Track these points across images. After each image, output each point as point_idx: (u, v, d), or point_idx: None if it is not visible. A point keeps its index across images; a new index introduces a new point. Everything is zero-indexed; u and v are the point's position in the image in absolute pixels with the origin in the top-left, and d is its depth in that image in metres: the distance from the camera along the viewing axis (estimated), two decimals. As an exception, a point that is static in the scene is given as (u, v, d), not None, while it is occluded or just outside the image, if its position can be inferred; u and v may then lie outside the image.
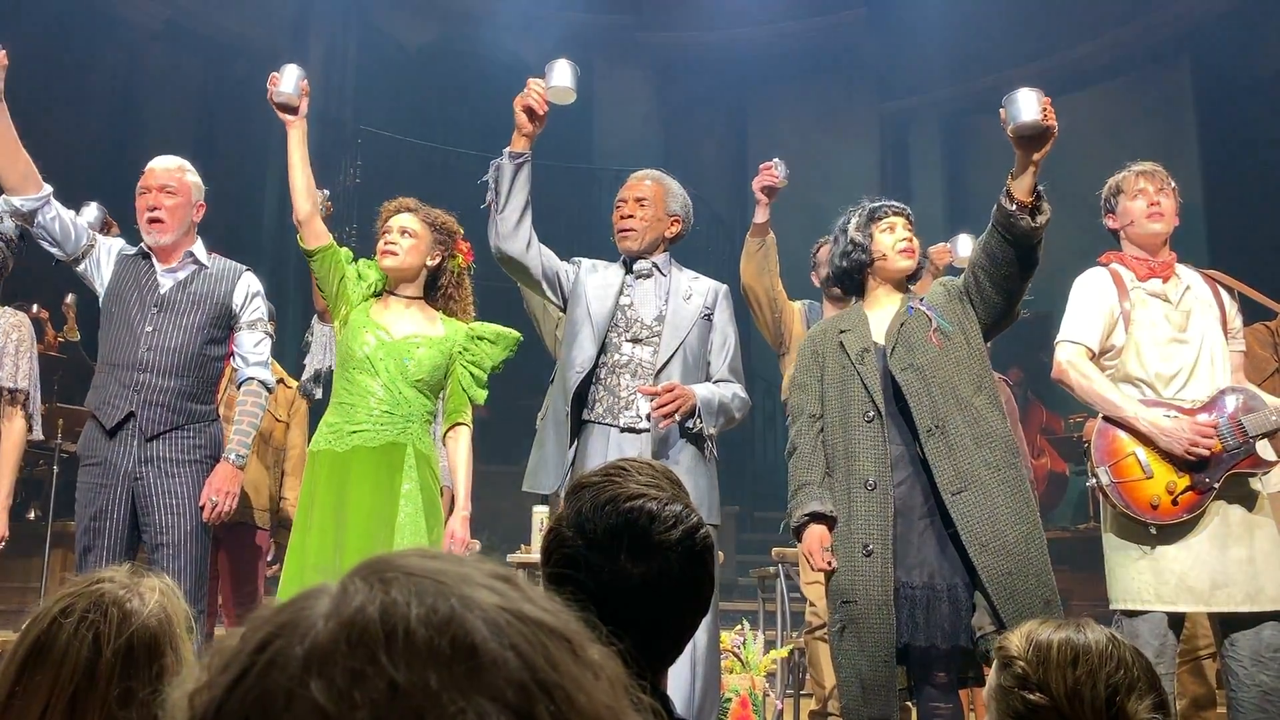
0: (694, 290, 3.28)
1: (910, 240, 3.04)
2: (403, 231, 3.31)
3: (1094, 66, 9.81)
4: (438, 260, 3.36)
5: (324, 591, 0.51)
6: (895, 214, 3.07)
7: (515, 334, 3.43)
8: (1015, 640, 1.47)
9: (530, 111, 3.08)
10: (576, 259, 3.36)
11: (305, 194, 3.28)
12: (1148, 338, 3.10)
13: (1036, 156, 2.72)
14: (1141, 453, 2.99)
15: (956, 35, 10.03)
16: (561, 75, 3.09)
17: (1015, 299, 2.92)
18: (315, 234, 3.29)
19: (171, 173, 3.39)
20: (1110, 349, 3.16)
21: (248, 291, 3.48)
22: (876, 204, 3.10)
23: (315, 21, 10.90)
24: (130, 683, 1.23)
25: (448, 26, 11.33)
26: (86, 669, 1.22)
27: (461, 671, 0.47)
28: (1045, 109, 2.69)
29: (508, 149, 3.12)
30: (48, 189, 3.24)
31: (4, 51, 3.07)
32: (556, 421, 3.18)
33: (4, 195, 3.20)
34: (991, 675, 1.51)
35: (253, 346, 3.48)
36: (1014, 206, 2.74)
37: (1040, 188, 2.77)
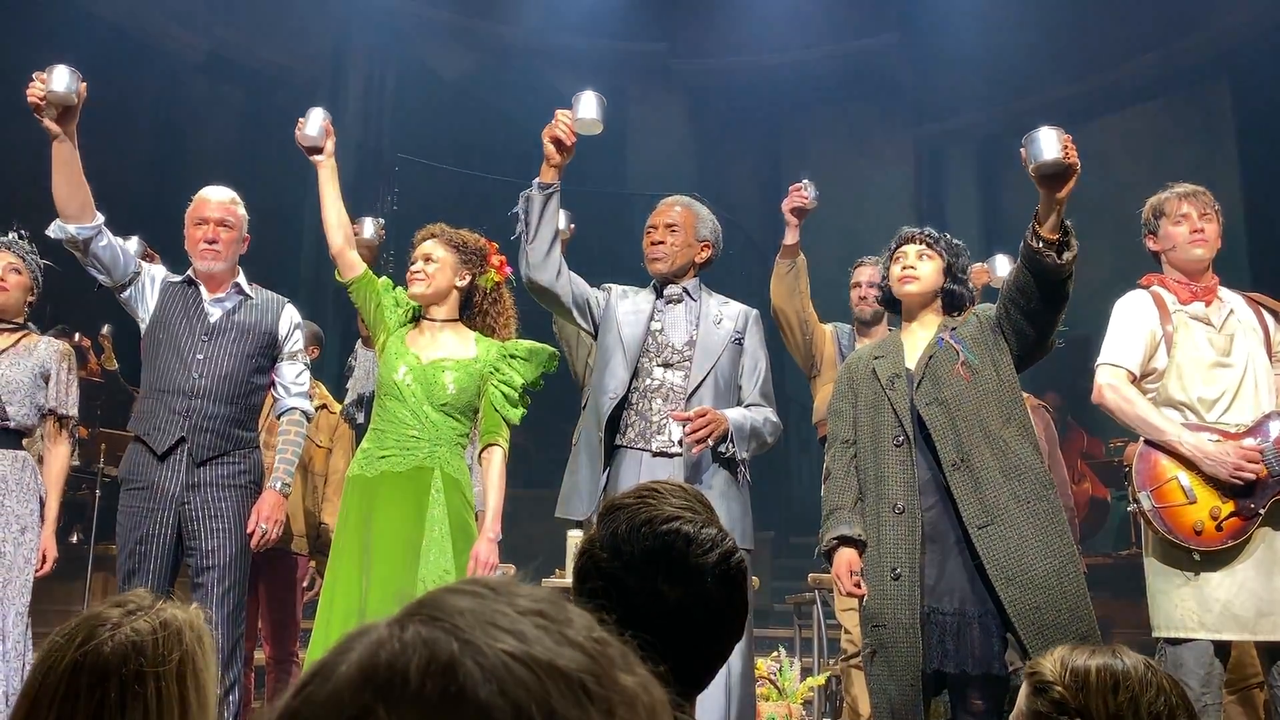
0: (724, 315, 3.28)
1: (914, 267, 3.02)
2: (426, 258, 3.36)
3: (1132, 88, 9.72)
4: (467, 280, 3.40)
5: (371, 630, 0.54)
6: (906, 242, 3.07)
7: (550, 349, 3.46)
8: (1049, 665, 1.44)
9: (559, 143, 3.10)
10: (607, 285, 3.38)
11: (337, 229, 3.38)
12: (1190, 361, 3.06)
13: (1060, 195, 2.66)
14: (1184, 477, 2.94)
15: (991, 58, 9.99)
16: (588, 107, 3.12)
17: (1048, 331, 2.88)
18: (349, 265, 3.38)
19: (227, 206, 3.49)
20: (1151, 372, 3.12)
21: (291, 323, 3.58)
22: (899, 235, 3.11)
23: (354, 52, 11.07)
24: (69, 711, 1.21)
25: (484, 56, 11.47)
26: (35, 691, 1.22)
27: (446, 717, 0.48)
28: (1066, 147, 2.63)
29: (537, 180, 3.15)
30: (100, 218, 3.32)
31: (84, 84, 3.17)
32: (589, 447, 3.18)
33: (59, 223, 3.27)
34: (1022, 699, 1.48)
35: (294, 377, 3.58)
36: (1040, 244, 2.70)
37: (1067, 223, 2.71)
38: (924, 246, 3.04)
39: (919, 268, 3.02)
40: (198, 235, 3.45)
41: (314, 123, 3.40)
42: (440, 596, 0.55)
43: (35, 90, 3.11)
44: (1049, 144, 2.64)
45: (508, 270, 3.48)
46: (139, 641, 1.27)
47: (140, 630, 1.28)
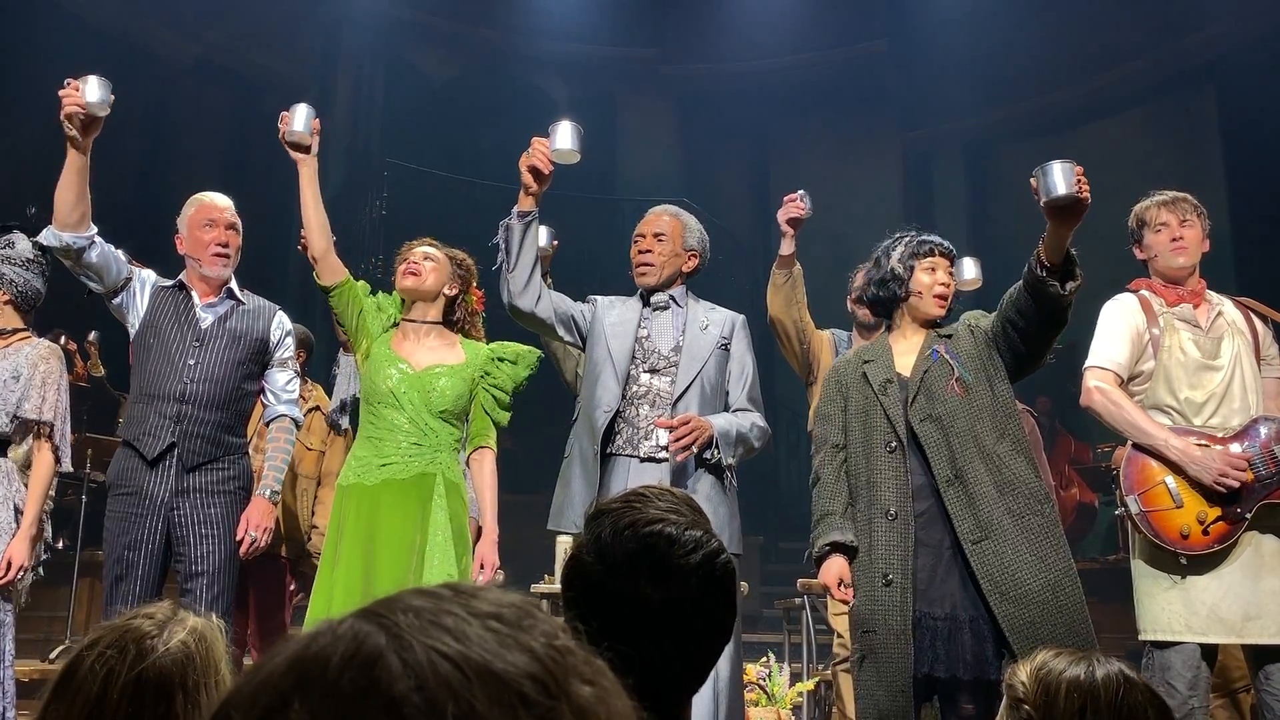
0: (710, 320, 3.30)
1: (948, 286, 2.99)
2: (425, 256, 3.38)
3: (1118, 95, 9.78)
4: (455, 291, 3.43)
5: (318, 626, 0.52)
6: (942, 254, 3.01)
7: (537, 352, 3.49)
8: (1022, 678, 1.47)
9: (536, 171, 3.11)
10: (592, 297, 3.39)
11: (319, 232, 3.32)
12: (1177, 364, 3.07)
13: (1067, 230, 2.65)
14: (1171, 481, 2.95)
15: (978, 64, 10.04)
16: (564, 138, 3.12)
17: (1043, 350, 2.87)
18: (331, 270, 3.33)
19: (234, 213, 3.49)
20: (1139, 375, 3.13)
21: (282, 330, 3.56)
22: (926, 238, 3.04)
23: (343, 57, 11.07)
24: None
25: (473, 61, 11.47)
26: (95, 704, 1.22)
27: (355, 712, 0.47)
28: (1079, 180, 2.62)
29: (516, 208, 3.16)
30: (94, 229, 3.26)
31: (113, 97, 3.11)
32: (583, 460, 3.18)
33: (53, 230, 3.20)
34: (1002, 711, 1.50)
35: (284, 384, 3.55)
36: (1043, 273, 2.68)
37: (1072, 252, 2.70)
38: (949, 261, 3.02)
39: (951, 288, 3.00)
40: (207, 239, 3.41)
41: (300, 118, 3.31)
42: (398, 596, 0.53)
43: (73, 100, 3.04)
44: (1062, 178, 2.62)
45: (483, 306, 3.53)
46: (189, 653, 1.29)
47: (187, 642, 1.30)
